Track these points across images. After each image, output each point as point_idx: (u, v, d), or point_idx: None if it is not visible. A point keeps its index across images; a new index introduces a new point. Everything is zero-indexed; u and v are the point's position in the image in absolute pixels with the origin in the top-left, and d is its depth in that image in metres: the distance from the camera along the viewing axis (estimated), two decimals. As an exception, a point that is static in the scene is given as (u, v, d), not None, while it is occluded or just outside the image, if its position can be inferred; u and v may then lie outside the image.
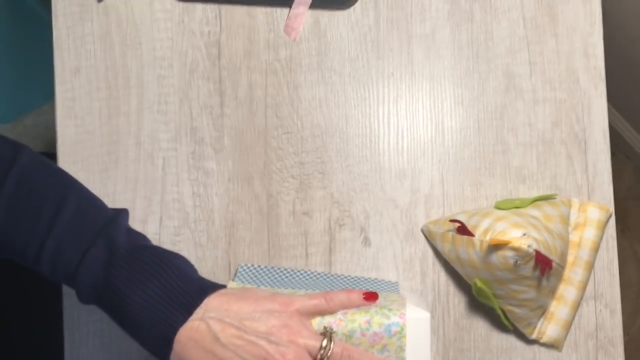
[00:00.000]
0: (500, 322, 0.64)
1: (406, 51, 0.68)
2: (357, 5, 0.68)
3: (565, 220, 0.64)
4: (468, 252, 0.60)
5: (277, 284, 0.61)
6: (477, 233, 0.59)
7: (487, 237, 0.58)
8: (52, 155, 0.63)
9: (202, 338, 0.46)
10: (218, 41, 0.68)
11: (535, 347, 0.66)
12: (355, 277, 0.65)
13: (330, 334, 0.50)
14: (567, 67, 0.68)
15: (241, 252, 0.65)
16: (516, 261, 0.56)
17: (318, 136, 0.67)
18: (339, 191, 0.66)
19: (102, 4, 0.67)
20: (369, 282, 0.64)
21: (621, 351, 0.66)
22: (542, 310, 0.63)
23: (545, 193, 0.67)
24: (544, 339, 0.64)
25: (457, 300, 0.66)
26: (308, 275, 0.64)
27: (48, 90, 0.71)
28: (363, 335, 0.51)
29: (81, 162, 0.66)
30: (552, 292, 0.63)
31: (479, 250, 0.58)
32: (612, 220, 0.67)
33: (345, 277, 0.64)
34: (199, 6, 0.68)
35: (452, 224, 0.62)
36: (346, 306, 0.52)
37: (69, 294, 0.65)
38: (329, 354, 0.48)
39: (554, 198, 0.66)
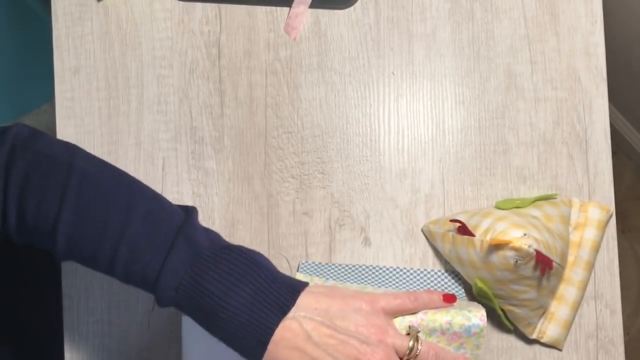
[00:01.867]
0: (501, 322, 0.64)
1: (407, 50, 0.68)
2: (357, 4, 0.68)
3: (566, 220, 0.63)
4: (468, 252, 0.60)
5: (342, 278, 0.62)
6: (478, 233, 0.59)
7: (488, 237, 0.58)
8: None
9: (295, 337, 0.46)
10: (218, 41, 0.67)
11: (536, 347, 0.65)
12: (418, 269, 0.65)
13: (416, 334, 0.50)
14: (568, 66, 0.68)
15: (241, 252, 0.65)
16: (517, 261, 0.56)
17: (318, 136, 0.67)
18: (339, 191, 0.66)
19: (101, 3, 0.67)
20: (433, 275, 0.65)
21: (621, 351, 0.66)
22: (542, 310, 0.63)
23: (546, 193, 0.67)
24: (545, 339, 0.64)
25: (457, 300, 0.65)
26: (370, 270, 0.64)
27: (48, 90, 0.71)
28: (443, 334, 0.53)
29: (81, 162, 0.65)
30: (553, 292, 0.63)
31: (480, 251, 0.58)
32: (613, 220, 0.67)
33: (409, 270, 0.65)
34: (199, 6, 0.67)
35: (452, 224, 0.62)
36: (428, 306, 0.53)
37: (69, 294, 0.65)
38: (416, 354, 0.49)
39: (555, 198, 0.66)
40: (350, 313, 0.48)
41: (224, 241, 0.49)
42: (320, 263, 0.64)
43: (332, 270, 0.64)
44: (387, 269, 0.64)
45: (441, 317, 0.53)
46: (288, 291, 0.47)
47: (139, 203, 0.48)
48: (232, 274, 0.46)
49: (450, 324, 0.53)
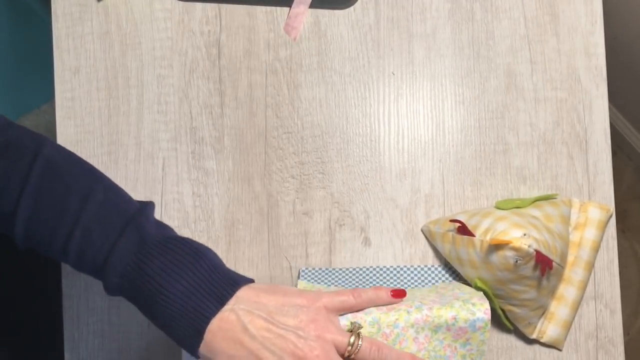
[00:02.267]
0: (501, 322, 0.64)
1: (407, 50, 0.68)
2: (357, 4, 0.68)
3: (566, 220, 0.63)
4: (468, 252, 0.60)
5: (343, 283, 0.62)
6: (478, 233, 0.59)
7: (488, 237, 0.58)
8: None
9: (232, 328, 0.47)
10: (218, 41, 0.67)
11: (536, 347, 0.65)
12: (418, 266, 0.64)
13: (358, 330, 0.50)
14: (568, 66, 0.68)
15: (241, 252, 0.65)
16: (516, 261, 0.56)
17: (318, 136, 0.67)
18: (339, 191, 0.66)
19: (101, 3, 0.67)
20: (433, 270, 0.64)
21: (621, 351, 0.66)
22: (542, 310, 0.63)
23: (546, 193, 0.67)
24: (544, 339, 0.64)
25: (457, 300, 0.65)
26: (370, 271, 0.64)
27: (48, 90, 0.71)
28: (448, 330, 0.54)
29: (81, 162, 0.65)
30: (553, 292, 0.63)
31: (480, 251, 0.58)
32: (613, 220, 0.67)
33: (410, 268, 0.64)
34: (199, 5, 0.67)
35: (452, 224, 0.62)
36: (375, 303, 0.53)
37: (69, 294, 0.65)
38: (357, 350, 0.49)
39: (555, 198, 0.66)
40: (290, 308, 0.48)
41: (175, 234, 0.50)
42: (320, 269, 0.64)
43: (333, 276, 0.63)
44: (387, 269, 0.64)
45: (446, 313, 0.53)
46: (228, 283, 0.48)
47: (97, 191, 0.49)
48: (175, 262, 0.47)
49: (455, 319, 0.54)
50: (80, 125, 0.66)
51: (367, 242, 0.66)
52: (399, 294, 0.54)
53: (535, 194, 0.67)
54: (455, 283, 0.61)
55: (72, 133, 0.66)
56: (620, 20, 1.14)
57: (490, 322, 0.55)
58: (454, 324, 0.54)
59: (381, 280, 0.64)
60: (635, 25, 1.13)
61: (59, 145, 0.51)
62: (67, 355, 0.64)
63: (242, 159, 0.66)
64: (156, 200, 0.66)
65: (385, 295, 0.54)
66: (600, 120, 0.68)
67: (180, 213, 0.65)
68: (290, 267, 0.65)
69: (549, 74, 0.68)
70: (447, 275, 0.64)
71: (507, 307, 0.62)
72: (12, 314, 0.77)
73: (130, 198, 0.51)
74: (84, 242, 0.47)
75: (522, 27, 0.68)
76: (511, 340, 0.65)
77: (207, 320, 0.46)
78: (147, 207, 0.50)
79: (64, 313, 0.65)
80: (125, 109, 0.66)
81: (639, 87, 1.27)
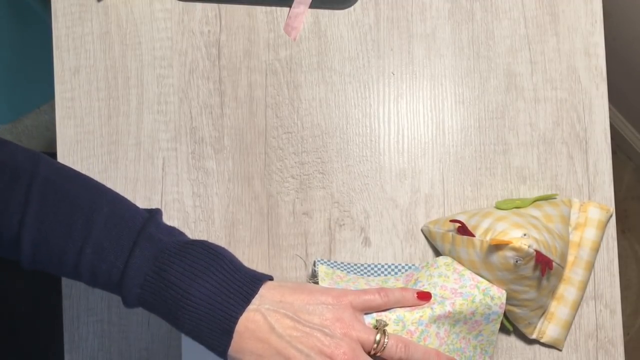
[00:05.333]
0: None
1: (407, 50, 0.68)
2: (357, 4, 0.68)
3: (566, 220, 0.63)
4: (468, 252, 0.60)
5: (361, 272, 0.62)
6: (478, 233, 0.59)
7: (488, 238, 0.58)
8: (52, 155, 0.63)
9: (258, 328, 0.47)
10: (218, 41, 0.67)
11: (536, 347, 0.65)
12: (427, 262, 0.64)
13: (384, 328, 0.51)
14: (568, 66, 0.68)
15: (241, 252, 0.65)
16: (517, 261, 0.56)
17: (318, 136, 0.67)
18: (339, 191, 0.66)
19: (101, 3, 0.67)
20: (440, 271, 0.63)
21: (621, 351, 0.66)
22: (542, 310, 0.63)
23: (546, 193, 0.67)
24: (544, 339, 0.64)
25: (457, 301, 0.65)
26: (386, 268, 0.64)
27: (48, 90, 0.71)
28: (465, 323, 0.56)
29: (81, 162, 0.66)
30: (553, 292, 0.63)
31: (480, 251, 0.58)
32: (613, 220, 0.67)
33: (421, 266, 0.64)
34: (199, 6, 0.68)
35: (452, 224, 0.62)
36: (401, 304, 0.54)
37: (69, 294, 0.65)
38: (383, 348, 0.49)
39: (555, 198, 0.66)
40: (316, 307, 0.49)
41: (188, 238, 0.50)
42: (335, 261, 0.64)
43: (348, 267, 0.63)
44: (403, 267, 0.64)
45: (467, 308, 0.56)
46: (250, 281, 0.48)
47: (101, 205, 0.48)
48: (195, 267, 0.47)
49: (473, 314, 0.56)
50: (80, 125, 0.66)
51: (367, 242, 0.66)
52: (425, 296, 0.55)
53: (535, 194, 0.67)
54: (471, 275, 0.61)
55: (72, 133, 0.66)
56: (620, 20, 1.14)
57: (502, 315, 0.57)
58: (471, 318, 0.56)
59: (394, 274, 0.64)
60: (635, 26, 1.13)
61: (54, 161, 0.51)
62: (67, 356, 0.64)
63: (242, 159, 0.66)
64: (156, 200, 0.66)
65: (411, 296, 0.54)
66: (600, 120, 0.68)
67: (180, 213, 0.65)
68: (296, 268, 0.66)
69: (549, 74, 0.68)
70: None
71: (507, 307, 0.62)
72: (11, 314, 0.77)
73: (136, 207, 0.50)
74: (96, 258, 0.47)
75: (522, 27, 0.68)
76: (511, 340, 0.65)
77: (234, 320, 0.46)
78: (155, 214, 0.49)
79: (64, 313, 0.65)
80: (125, 109, 0.66)
81: (639, 87, 1.27)
